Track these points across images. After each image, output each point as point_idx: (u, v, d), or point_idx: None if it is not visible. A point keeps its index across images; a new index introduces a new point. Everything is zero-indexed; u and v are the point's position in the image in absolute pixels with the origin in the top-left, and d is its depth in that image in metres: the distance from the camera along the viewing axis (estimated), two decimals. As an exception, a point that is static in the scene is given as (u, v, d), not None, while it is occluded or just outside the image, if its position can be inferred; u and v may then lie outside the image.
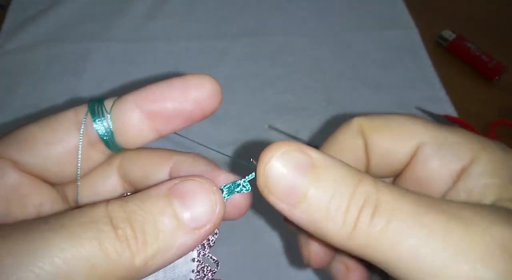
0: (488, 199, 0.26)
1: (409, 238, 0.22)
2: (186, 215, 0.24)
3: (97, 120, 0.28)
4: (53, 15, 0.86)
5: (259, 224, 0.63)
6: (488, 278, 0.21)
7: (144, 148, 0.32)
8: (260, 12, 0.90)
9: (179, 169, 0.31)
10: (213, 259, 0.28)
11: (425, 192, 0.30)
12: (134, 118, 0.28)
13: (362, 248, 0.23)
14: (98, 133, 0.28)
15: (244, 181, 0.28)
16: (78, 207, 0.26)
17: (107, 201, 0.24)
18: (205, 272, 0.28)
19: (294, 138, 0.71)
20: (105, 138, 0.29)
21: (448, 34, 0.84)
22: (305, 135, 0.71)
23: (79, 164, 0.29)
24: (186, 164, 0.31)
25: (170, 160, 0.31)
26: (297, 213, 0.24)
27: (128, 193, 0.30)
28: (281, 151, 0.24)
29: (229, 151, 0.69)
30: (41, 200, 0.29)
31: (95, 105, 0.29)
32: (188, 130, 0.78)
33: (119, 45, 0.82)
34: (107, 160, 0.32)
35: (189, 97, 0.28)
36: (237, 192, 0.28)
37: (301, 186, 0.23)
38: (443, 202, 0.24)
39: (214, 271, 0.28)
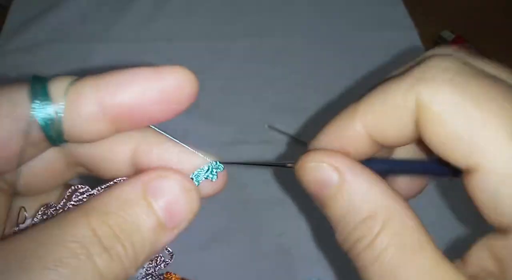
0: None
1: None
2: (166, 217, 0.24)
3: (38, 105, 0.22)
4: (54, 16, 0.86)
5: (258, 224, 0.63)
6: None
7: None
8: (260, 12, 0.90)
9: (146, 153, 0.26)
10: (168, 251, 0.28)
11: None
12: (89, 107, 0.23)
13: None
14: (38, 121, 0.23)
15: (213, 165, 0.29)
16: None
17: (83, 214, 0.22)
18: (157, 262, 0.27)
19: (294, 138, 0.71)
20: (47, 128, 0.23)
21: (447, 35, 0.85)
22: (305, 135, 0.72)
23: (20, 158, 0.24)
24: (155, 147, 0.27)
25: (132, 138, 0.27)
26: (322, 208, 0.28)
27: (79, 186, 0.26)
28: (315, 163, 0.29)
29: (229, 151, 0.70)
30: None
31: (38, 86, 0.23)
32: (187, 131, 0.78)
33: (120, 45, 0.82)
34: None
35: (160, 93, 0.24)
36: (206, 178, 0.28)
37: (326, 195, 0.27)
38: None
39: (167, 262, 0.28)
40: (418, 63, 0.27)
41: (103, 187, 0.26)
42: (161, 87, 0.24)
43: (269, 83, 0.79)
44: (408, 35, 0.87)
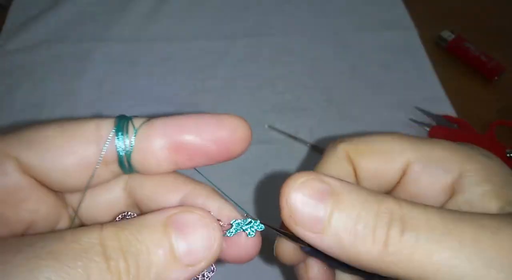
0: (492, 207, 0.26)
1: (442, 251, 0.22)
2: (182, 249, 0.24)
3: (120, 138, 0.27)
4: (54, 16, 0.86)
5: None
6: None
7: None
8: (260, 12, 0.90)
9: (191, 201, 0.29)
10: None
11: None
12: (157, 144, 0.27)
13: (396, 265, 0.23)
14: (117, 151, 0.27)
15: (254, 222, 0.28)
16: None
17: (101, 225, 0.23)
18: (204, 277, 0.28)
19: (294, 138, 0.71)
20: (121, 157, 0.27)
21: (447, 35, 0.85)
22: (305, 135, 0.72)
23: (91, 178, 0.28)
24: (201, 197, 0.29)
25: (184, 188, 0.29)
26: (325, 240, 0.24)
27: (129, 213, 0.29)
28: (300, 182, 0.25)
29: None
30: (38, 206, 0.28)
31: (123, 122, 0.27)
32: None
33: (120, 45, 0.82)
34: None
35: (219, 136, 0.27)
36: (244, 230, 0.27)
37: (324, 212, 0.24)
38: (464, 213, 0.24)
39: (209, 277, 0.28)
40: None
41: None
42: (219, 133, 0.27)
43: (269, 83, 0.79)
44: (408, 35, 0.87)
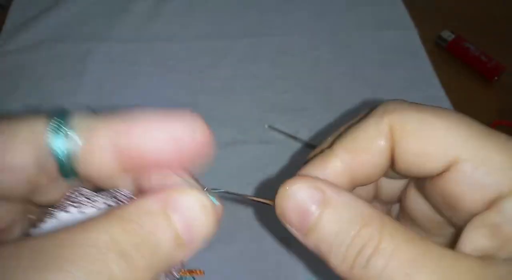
0: (511, 246, 0.25)
1: None
2: (184, 229, 0.24)
3: (56, 137, 0.23)
4: (54, 16, 0.86)
5: (258, 224, 0.63)
6: None
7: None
8: (260, 12, 0.90)
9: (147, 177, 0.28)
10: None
11: (450, 206, 0.28)
12: (100, 147, 0.24)
13: None
14: (55, 154, 0.24)
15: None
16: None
17: (105, 220, 0.22)
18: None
19: (294, 138, 0.71)
20: (61, 160, 0.24)
21: (447, 35, 0.85)
22: (305, 135, 0.72)
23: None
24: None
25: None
26: (308, 241, 0.26)
27: (81, 188, 0.27)
28: (296, 186, 0.26)
29: (229, 151, 0.70)
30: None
31: (58, 121, 0.24)
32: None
33: (120, 45, 0.82)
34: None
35: (173, 139, 0.25)
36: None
37: (311, 219, 0.26)
38: (446, 252, 0.24)
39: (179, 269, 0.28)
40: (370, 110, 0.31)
41: (103, 193, 0.26)
42: (171, 134, 0.25)
43: (269, 83, 0.79)
44: (408, 35, 0.87)
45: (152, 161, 0.25)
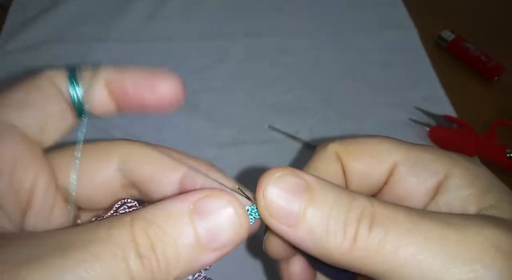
0: (471, 209, 0.27)
1: (408, 246, 0.23)
2: (207, 235, 0.24)
3: (72, 86, 0.30)
4: (54, 16, 0.86)
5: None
6: (488, 277, 0.22)
7: (149, 147, 0.31)
8: (260, 12, 0.90)
9: (192, 179, 0.30)
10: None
11: None
12: (102, 92, 0.30)
13: (363, 260, 0.24)
14: (73, 97, 0.29)
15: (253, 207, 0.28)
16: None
17: (130, 220, 0.23)
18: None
19: (294, 138, 0.71)
20: (74, 102, 0.30)
21: (447, 35, 0.85)
22: (305, 135, 0.72)
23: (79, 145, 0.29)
24: (203, 178, 0.30)
25: (181, 166, 0.30)
26: (299, 233, 0.25)
27: (128, 200, 0.29)
28: (276, 176, 0.26)
29: (229, 151, 0.70)
30: (37, 173, 0.28)
31: (74, 74, 0.30)
32: (187, 130, 0.79)
33: (120, 45, 0.83)
34: (106, 152, 0.31)
35: (151, 86, 0.30)
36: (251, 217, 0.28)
37: (299, 207, 0.25)
38: (434, 212, 0.26)
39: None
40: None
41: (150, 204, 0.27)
42: (153, 87, 0.30)
43: (269, 83, 0.79)
44: (408, 35, 0.87)
45: (138, 101, 0.30)
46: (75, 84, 0.30)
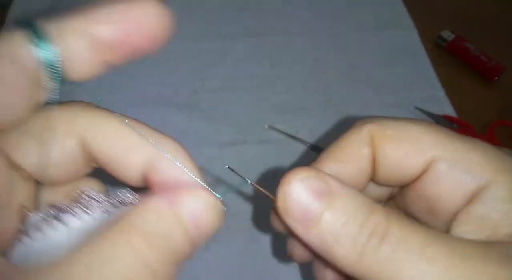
0: (505, 229, 0.26)
1: (410, 268, 0.23)
2: (195, 232, 0.25)
3: (38, 46, 0.24)
4: (54, 16, 0.86)
5: (258, 223, 0.63)
6: None
7: (117, 121, 0.29)
8: (260, 12, 0.90)
9: (158, 164, 0.28)
10: None
11: (433, 210, 0.30)
12: (79, 45, 0.25)
13: (369, 273, 0.24)
14: (43, 61, 0.24)
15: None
16: None
17: (129, 229, 0.23)
18: None
19: (294, 138, 0.71)
20: (49, 65, 0.25)
21: (447, 35, 0.85)
22: (305, 135, 0.72)
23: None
24: (168, 163, 0.28)
25: (147, 147, 0.28)
26: (311, 235, 0.25)
27: (87, 189, 0.28)
28: (301, 177, 0.26)
29: (229, 151, 0.70)
30: None
31: (32, 32, 0.25)
32: (187, 130, 0.79)
33: (120, 45, 0.82)
34: (67, 123, 0.28)
35: (134, 20, 0.25)
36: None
37: (316, 210, 0.25)
38: (452, 238, 0.25)
39: None
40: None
41: (113, 199, 0.27)
42: (136, 20, 0.25)
43: (269, 83, 0.79)
44: (408, 35, 0.87)
45: (122, 44, 0.26)
46: (40, 43, 0.24)
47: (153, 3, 0.25)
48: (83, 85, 0.77)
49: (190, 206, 0.25)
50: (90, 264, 0.22)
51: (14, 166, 0.27)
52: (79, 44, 0.25)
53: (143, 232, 0.23)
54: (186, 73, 0.80)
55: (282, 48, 0.84)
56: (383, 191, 0.35)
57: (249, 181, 0.29)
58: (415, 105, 0.75)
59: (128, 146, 0.28)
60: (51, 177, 0.29)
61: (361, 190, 0.33)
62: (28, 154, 0.27)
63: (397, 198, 0.34)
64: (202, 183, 0.28)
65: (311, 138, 0.71)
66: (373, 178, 0.32)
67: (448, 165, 0.28)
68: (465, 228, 0.27)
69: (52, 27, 0.26)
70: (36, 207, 0.28)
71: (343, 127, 0.73)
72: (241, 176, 0.31)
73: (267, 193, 0.29)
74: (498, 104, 0.78)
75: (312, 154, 0.70)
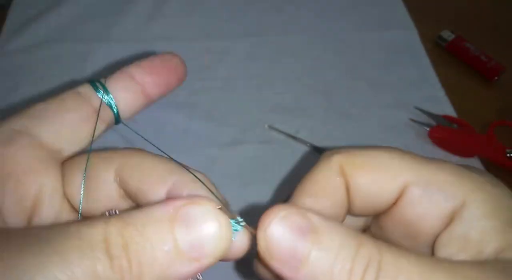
0: (490, 246, 0.25)
1: None
2: (187, 242, 0.23)
3: (102, 94, 0.32)
4: (54, 16, 0.86)
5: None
6: None
7: (145, 157, 0.30)
8: (260, 12, 0.90)
9: (179, 190, 0.28)
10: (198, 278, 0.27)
11: (412, 234, 0.29)
12: (129, 88, 0.34)
13: None
14: (107, 103, 0.32)
15: (238, 221, 0.26)
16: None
17: (107, 219, 0.22)
18: None
19: (294, 138, 0.71)
20: (114, 108, 0.33)
21: (447, 35, 0.85)
22: (305, 135, 0.72)
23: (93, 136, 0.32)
24: (188, 186, 0.28)
25: (170, 178, 0.29)
26: (301, 277, 0.24)
27: (116, 210, 0.29)
28: (281, 215, 0.24)
29: (229, 151, 0.70)
30: (45, 178, 0.29)
31: (97, 83, 0.33)
32: (187, 130, 0.78)
33: (120, 45, 0.82)
34: (106, 162, 0.31)
35: (170, 70, 0.37)
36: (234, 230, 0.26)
37: (302, 249, 0.23)
38: (444, 261, 0.25)
39: None
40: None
41: None
42: (166, 74, 0.37)
43: (269, 83, 0.79)
44: (408, 35, 0.87)
45: (163, 86, 0.36)
46: (102, 89, 0.32)
47: (173, 56, 0.38)
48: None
49: (192, 221, 0.23)
50: (57, 231, 0.22)
51: (66, 195, 0.30)
52: (125, 87, 0.34)
53: (123, 226, 0.22)
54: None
55: (282, 48, 0.84)
56: (358, 222, 0.34)
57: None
58: (415, 105, 0.75)
59: (152, 178, 0.29)
60: (86, 210, 0.30)
61: (341, 222, 0.31)
62: (74, 186, 0.30)
63: (372, 227, 0.33)
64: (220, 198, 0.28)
65: (311, 138, 0.71)
66: (349, 209, 0.31)
67: (421, 188, 0.28)
68: (449, 250, 0.26)
69: (108, 81, 0.33)
70: None
71: (343, 127, 0.73)
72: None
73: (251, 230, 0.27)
74: (498, 104, 0.78)
75: (312, 154, 0.70)
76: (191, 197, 0.25)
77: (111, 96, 0.33)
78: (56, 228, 0.22)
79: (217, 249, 0.23)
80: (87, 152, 0.31)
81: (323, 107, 0.76)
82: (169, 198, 0.27)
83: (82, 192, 0.30)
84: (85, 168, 0.30)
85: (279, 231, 0.23)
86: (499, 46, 0.84)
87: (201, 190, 0.28)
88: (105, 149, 0.32)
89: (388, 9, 0.91)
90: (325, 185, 0.30)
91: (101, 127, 0.32)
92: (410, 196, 0.28)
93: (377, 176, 0.29)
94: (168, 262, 0.23)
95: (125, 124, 0.34)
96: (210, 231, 0.23)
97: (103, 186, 0.30)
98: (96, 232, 0.22)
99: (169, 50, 0.82)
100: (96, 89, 0.32)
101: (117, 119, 0.33)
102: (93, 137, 0.32)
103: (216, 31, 0.86)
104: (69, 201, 0.31)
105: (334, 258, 0.23)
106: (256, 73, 0.80)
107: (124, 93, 0.33)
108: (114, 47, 0.82)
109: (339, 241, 0.23)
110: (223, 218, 0.24)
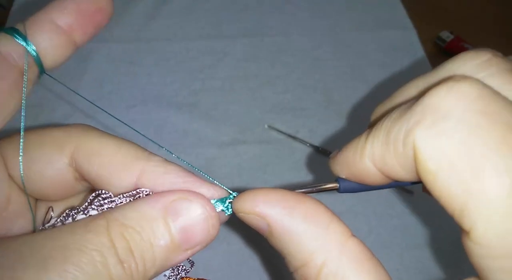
0: None
1: None
2: (181, 237, 0.25)
3: (23, 42, 0.28)
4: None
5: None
6: None
7: (104, 140, 0.29)
8: (260, 12, 0.90)
9: (149, 178, 0.27)
10: (189, 260, 0.29)
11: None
12: (53, 36, 0.30)
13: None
14: (32, 55, 0.28)
15: (229, 198, 0.28)
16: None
17: (107, 223, 0.24)
18: (179, 271, 0.28)
19: (294, 138, 0.71)
20: (36, 58, 0.29)
21: (446, 35, 0.85)
22: (305, 135, 0.72)
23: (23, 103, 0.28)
24: (157, 174, 0.27)
25: (138, 163, 0.27)
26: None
27: (103, 191, 0.27)
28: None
29: (229, 151, 0.70)
30: None
31: (13, 33, 0.29)
32: (187, 130, 0.78)
33: (120, 45, 0.83)
34: (59, 142, 0.29)
35: (92, 4, 0.32)
36: (222, 210, 0.28)
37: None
38: None
39: (187, 270, 0.29)
40: (425, 91, 0.25)
41: (125, 195, 0.27)
42: (86, 10, 0.31)
43: (269, 83, 0.79)
44: (407, 35, 0.87)
45: (88, 26, 0.31)
46: (22, 39, 0.28)
47: None
48: (83, 86, 0.78)
49: (183, 214, 0.25)
50: (63, 243, 0.22)
51: (11, 176, 0.29)
52: (49, 35, 0.29)
53: (123, 229, 0.24)
54: (186, 73, 0.80)
55: (282, 48, 0.84)
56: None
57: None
58: (415, 105, 0.75)
59: (117, 165, 0.28)
60: (40, 192, 0.29)
61: None
62: (18, 167, 0.28)
63: None
64: (211, 179, 0.28)
65: (311, 138, 0.71)
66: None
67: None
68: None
69: (24, 25, 0.29)
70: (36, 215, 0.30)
71: (343, 127, 0.73)
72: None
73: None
74: (497, 104, 0.78)
75: (312, 154, 0.70)
76: (178, 191, 0.26)
77: (34, 48, 0.28)
78: (64, 239, 0.22)
79: (208, 237, 0.26)
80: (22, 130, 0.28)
81: (323, 107, 0.76)
82: (156, 193, 0.27)
83: (21, 171, 0.28)
84: (21, 145, 0.28)
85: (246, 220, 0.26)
86: (497, 47, 0.84)
87: (173, 174, 0.27)
88: (55, 125, 0.30)
89: (387, 9, 0.91)
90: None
91: (28, 87, 0.29)
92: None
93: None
94: (167, 255, 0.25)
95: (50, 76, 0.31)
96: (200, 222, 0.25)
97: (57, 169, 0.29)
98: (101, 239, 0.23)
99: (169, 50, 0.83)
100: (16, 37, 0.28)
101: (42, 70, 0.30)
102: (23, 107, 0.28)
103: (216, 31, 0.86)
104: (17, 183, 0.29)
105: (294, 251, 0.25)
106: (256, 73, 0.80)
107: (47, 42, 0.29)
108: (115, 48, 0.82)
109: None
110: (211, 209, 0.26)
